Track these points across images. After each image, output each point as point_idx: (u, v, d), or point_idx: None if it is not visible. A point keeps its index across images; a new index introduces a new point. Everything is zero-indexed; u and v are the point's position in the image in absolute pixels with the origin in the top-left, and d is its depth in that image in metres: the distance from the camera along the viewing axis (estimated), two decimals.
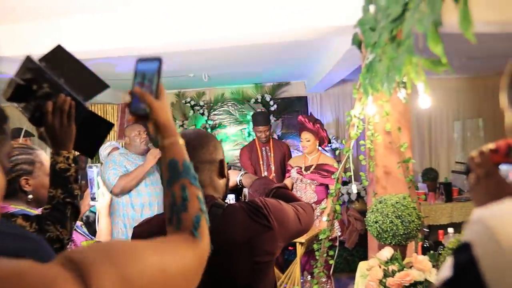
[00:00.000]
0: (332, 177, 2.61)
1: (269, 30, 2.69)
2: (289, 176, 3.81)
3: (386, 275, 1.84)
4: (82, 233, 1.61)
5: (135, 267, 0.59)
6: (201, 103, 5.77)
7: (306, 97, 5.82)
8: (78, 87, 1.18)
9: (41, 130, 1.18)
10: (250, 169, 4.12)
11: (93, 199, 1.82)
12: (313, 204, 3.67)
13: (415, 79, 1.69)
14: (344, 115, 5.58)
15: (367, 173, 2.66)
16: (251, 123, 5.45)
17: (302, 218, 1.27)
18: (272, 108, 5.64)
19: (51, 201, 1.20)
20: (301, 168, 3.72)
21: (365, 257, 2.67)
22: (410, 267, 1.85)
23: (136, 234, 1.22)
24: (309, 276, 3.51)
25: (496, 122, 5.51)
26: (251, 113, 5.43)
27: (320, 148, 3.80)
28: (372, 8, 2.22)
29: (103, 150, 3.86)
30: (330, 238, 2.57)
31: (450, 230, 2.28)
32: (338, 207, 2.52)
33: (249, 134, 5.68)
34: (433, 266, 1.80)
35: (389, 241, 2.08)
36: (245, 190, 4.03)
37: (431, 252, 1.94)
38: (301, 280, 3.37)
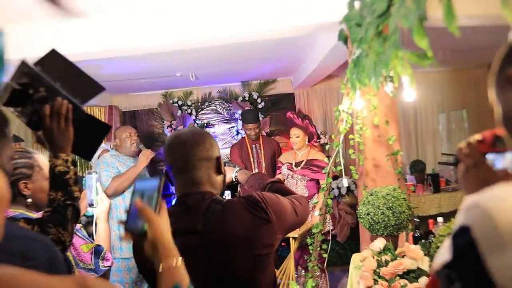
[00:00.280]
0: (323, 171, 2.65)
1: (255, 28, 2.70)
2: (280, 173, 3.84)
3: (379, 265, 1.88)
4: (82, 236, 1.61)
5: None
6: (189, 103, 5.76)
7: (293, 93, 5.85)
8: (74, 90, 1.19)
9: (39, 134, 1.19)
10: (241, 167, 4.14)
11: (91, 205, 1.83)
12: None
13: (402, 73, 1.74)
14: (331, 111, 5.64)
15: (357, 166, 2.70)
16: (239, 121, 5.47)
17: (298, 210, 1.30)
18: (260, 106, 5.66)
19: (51, 204, 1.21)
20: (291, 164, 3.76)
21: (357, 250, 2.72)
22: (403, 256, 1.90)
23: None
24: (303, 271, 3.55)
25: (480, 113, 5.63)
26: (239, 111, 5.44)
27: (309, 143, 3.84)
28: (357, 4, 2.26)
29: None
30: (322, 232, 2.61)
31: (440, 219, 2.34)
32: (329, 201, 2.56)
33: (238, 133, 5.69)
34: (425, 255, 1.85)
35: (381, 232, 2.12)
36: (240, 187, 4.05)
37: (422, 241, 1.99)
38: (296, 275, 3.41)
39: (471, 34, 3.42)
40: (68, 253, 1.51)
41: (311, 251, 2.60)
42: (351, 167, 2.67)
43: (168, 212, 1.24)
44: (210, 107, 5.87)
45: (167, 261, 0.81)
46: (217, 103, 5.86)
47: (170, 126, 5.68)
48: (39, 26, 2.77)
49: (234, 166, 1.61)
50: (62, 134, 1.18)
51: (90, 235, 1.91)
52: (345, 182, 2.63)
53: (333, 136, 2.61)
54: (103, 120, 5.57)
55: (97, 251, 1.59)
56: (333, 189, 4.29)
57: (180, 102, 5.72)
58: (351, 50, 2.42)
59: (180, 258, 0.83)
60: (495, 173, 0.88)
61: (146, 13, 2.72)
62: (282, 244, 4.15)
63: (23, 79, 1.12)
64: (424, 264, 1.80)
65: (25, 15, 2.63)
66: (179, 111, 5.69)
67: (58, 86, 1.16)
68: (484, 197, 0.69)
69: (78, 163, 4.36)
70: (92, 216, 3.09)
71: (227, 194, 3.34)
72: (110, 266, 1.62)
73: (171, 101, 5.71)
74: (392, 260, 1.88)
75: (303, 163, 3.70)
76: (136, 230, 0.82)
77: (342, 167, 2.55)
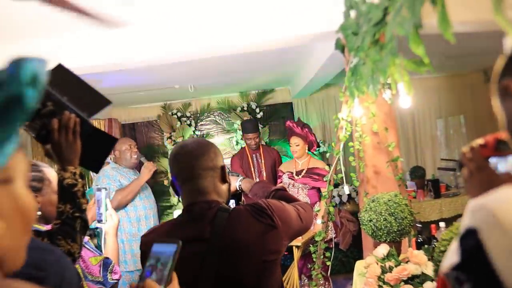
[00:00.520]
0: (324, 179, 2.66)
1: (252, 39, 2.73)
2: (281, 182, 3.86)
3: (383, 271, 1.89)
4: (90, 249, 1.62)
5: None
6: (188, 114, 5.79)
7: (291, 103, 5.88)
8: (81, 104, 1.21)
9: (47, 148, 1.21)
10: (244, 176, 4.16)
11: (100, 221, 1.85)
12: None
13: (399, 80, 1.76)
14: (330, 119, 5.67)
15: (357, 173, 2.72)
16: (238, 131, 5.49)
17: (302, 216, 1.32)
18: (259, 116, 5.69)
19: (60, 216, 1.23)
20: (292, 173, 3.77)
21: (359, 258, 2.72)
22: (406, 262, 1.91)
23: (143, 243, 1.25)
24: (306, 279, 3.55)
25: (477, 118, 5.66)
26: (238, 121, 5.47)
27: (309, 152, 3.86)
28: (353, 13, 2.29)
29: None
30: (325, 240, 2.62)
31: (442, 224, 2.35)
32: (331, 209, 2.57)
33: (237, 143, 5.71)
34: (429, 259, 1.86)
35: (384, 239, 2.13)
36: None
37: (426, 246, 2.00)
38: (300, 284, 3.40)
39: (465, 40, 3.46)
40: (77, 266, 1.52)
41: (314, 259, 2.60)
42: (351, 174, 2.68)
43: (176, 221, 1.26)
44: (209, 118, 5.90)
45: None
46: (216, 113, 5.89)
47: (169, 137, 5.70)
48: (38, 41, 2.79)
49: (238, 175, 1.63)
50: (70, 147, 1.20)
51: (97, 247, 1.92)
52: (346, 189, 2.65)
53: (333, 144, 2.63)
54: None
55: (106, 264, 1.60)
56: (334, 197, 4.30)
57: (179, 114, 5.74)
58: (348, 58, 2.45)
59: None
60: (498, 176, 0.90)
61: (144, 27, 2.75)
62: (285, 253, 4.14)
63: None
64: (428, 269, 1.81)
65: (24, 31, 2.66)
66: (178, 123, 5.71)
67: (65, 100, 1.19)
68: (489, 199, 0.70)
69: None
70: (95, 228, 3.11)
71: (232, 203, 3.34)
72: (118, 279, 1.63)
73: (170, 113, 5.73)
74: (396, 266, 1.89)
75: (304, 171, 3.72)
76: None
77: (343, 175, 2.57)
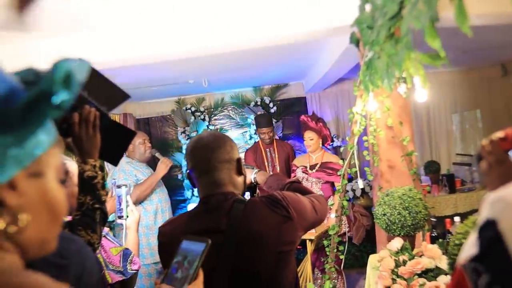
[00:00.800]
0: (338, 173, 2.67)
1: (267, 34, 2.74)
2: (295, 176, 3.87)
3: (397, 264, 1.89)
4: (111, 240, 1.67)
5: None
6: (202, 109, 5.83)
7: (305, 97, 5.87)
8: (101, 98, 1.24)
9: (68, 141, 1.24)
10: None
11: (120, 217, 1.91)
12: None
13: (414, 74, 1.76)
14: (343, 113, 5.65)
15: (371, 168, 2.72)
16: (252, 126, 5.51)
17: (317, 208, 1.34)
18: (272, 110, 5.70)
19: (81, 208, 1.26)
20: (306, 167, 3.78)
21: (373, 252, 2.72)
22: (420, 256, 1.91)
23: (161, 233, 1.29)
24: (319, 273, 3.56)
25: (494, 112, 5.58)
26: (252, 116, 5.48)
27: (323, 147, 3.86)
28: (368, 7, 2.29)
29: None
30: (338, 234, 2.62)
31: (457, 219, 2.34)
32: (345, 203, 2.57)
33: (251, 137, 5.73)
34: (443, 253, 1.86)
35: (398, 233, 2.13)
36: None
37: (440, 240, 2.00)
38: (313, 277, 3.42)
39: (482, 33, 3.41)
40: (99, 255, 1.57)
41: (327, 253, 2.62)
42: (365, 168, 2.68)
43: (193, 213, 1.28)
44: (223, 113, 5.92)
45: None
46: (230, 108, 5.91)
47: (183, 132, 5.75)
48: (53, 37, 2.84)
49: (253, 168, 1.65)
50: (90, 141, 1.24)
51: None
52: (360, 183, 2.65)
53: (347, 138, 2.64)
54: None
55: (126, 255, 1.65)
56: (347, 191, 4.30)
57: (193, 109, 5.78)
58: (363, 52, 2.44)
59: None
60: None
61: (159, 22, 2.77)
62: (298, 246, 4.16)
63: None
64: (442, 263, 1.81)
65: (41, 29, 2.70)
66: (192, 117, 5.75)
67: (86, 94, 1.22)
68: (509, 191, 0.70)
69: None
70: (112, 221, 3.17)
71: (247, 195, 3.38)
72: (137, 270, 1.67)
73: (184, 108, 5.77)
74: (409, 260, 1.89)
75: (318, 166, 3.72)
76: None
77: (357, 169, 2.57)
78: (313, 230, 3.27)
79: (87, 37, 2.86)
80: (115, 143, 1.32)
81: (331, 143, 4.18)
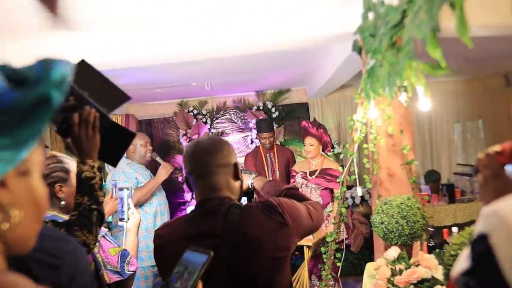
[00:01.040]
0: (337, 180, 2.66)
1: (269, 39, 2.75)
2: (294, 182, 3.87)
3: (393, 273, 1.89)
4: (110, 240, 1.67)
5: None
6: (204, 112, 5.83)
7: (307, 103, 5.88)
8: (102, 99, 1.25)
9: (68, 141, 1.25)
10: (257, 174, 4.17)
11: (121, 219, 1.92)
12: None
13: (416, 83, 1.76)
14: (346, 120, 5.65)
15: (371, 175, 2.71)
16: (253, 130, 5.51)
17: (313, 215, 1.34)
18: (274, 115, 5.70)
19: (78, 208, 1.27)
20: (305, 173, 3.78)
21: (371, 260, 2.72)
22: (417, 265, 1.90)
23: (157, 236, 1.29)
24: (316, 280, 3.55)
25: (496, 123, 5.57)
26: (254, 120, 5.49)
27: (323, 153, 3.86)
28: (371, 15, 2.29)
29: None
30: (336, 241, 2.62)
31: (455, 229, 2.33)
32: (343, 210, 2.57)
33: (252, 141, 5.74)
34: (439, 264, 1.85)
35: (395, 241, 2.13)
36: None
37: (437, 250, 1.99)
38: (309, 284, 3.41)
39: (486, 43, 3.42)
40: (98, 255, 1.59)
41: (325, 260, 2.61)
42: (364, 176, 2.68)
43: (189, 217, 1.29)
44: (225, 116, 5.93)
45: None
46: (232, 112, 5.92)
47: (185, 135, 5.75)
48: (58, 38, 2.86)
49: (251, 173, 1.65)
50: (89, 141, 1.24)
51: None
52: (359, 191, 2.65)
53: (347, 145, 2.63)
54: None
55: (123, 256, 1.65)
56: (347, 198, 4.29)
57: (195, 111, 5.79)
58: (365, 60, 2.45)
59: None
60: None
61: (162, 24, 2.79)
62: (296, 253, 4.15)
63: None
64: (438, 273, 1.80)
65: (46, 29, 2.72)
66: (194, 120, 5.76)
67: (86, 95, 1.22)
68: (502, 205, 0.70)
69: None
70: (110, 222, 3.17)
71: (244, 200, 3.38)
72: (134, 271, 1.68)
73: (186, 110, 5.79)
74: (406, 269, 1.88)
75: (317, 172, 3.72)
76: None
77: (356, 176, 2.56)
78: (310, 237, 3.26)
79: (91, 37, 2.87)
80: (115, 144, 1.32)
81: (331, 150, 4.17)
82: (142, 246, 3.19)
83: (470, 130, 5.98)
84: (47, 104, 0.52)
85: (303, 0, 2.63)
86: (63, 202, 1.53)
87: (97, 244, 1.62)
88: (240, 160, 5.22)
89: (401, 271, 1.88)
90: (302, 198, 1.43)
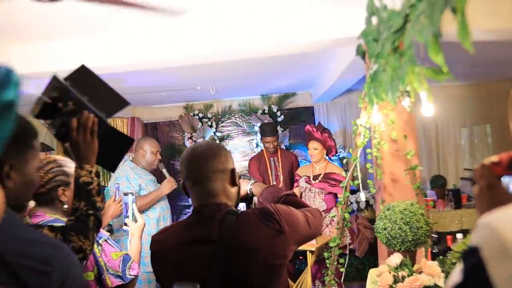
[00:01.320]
0: (340, 185, 2.65)
1: (275, 43, 2.75)
2: (298, 186, 3.85)
3: (396, 280, 1.87)
4: (112, 244, 1.68)
5: None
6: (209, 115, 5.84)
7: (313, 107, 5.86)
8: (101, 104, 1.25)
9: (66, 146, 1.25)
10: (259, 180, 4.17)
11: (126, 224, 1.93)
12: (322, 213, 3.70)
13: (418, 88, 1.74)
14: (351, 124, 5.61)
15: (374, 181, 2.69)
16: (258, 134, 5.51)
17: (311, 222, 1.32)
18: (279, 119, 5.70)
19: (74, 213, 1.27)
20: (309, 177, 3.76)
21: (375, 265, 2.69)
22: (420, 272, 1.88)
23: (154, 242, 1.28)
24: (320, 285, 3.53)
25: (504, 128, 5.51)
26: (259, 124, 5.49)
27: (327, 157, 3.84)
28: (374, 19, 2.28)
29: None
30: (340, 246, 2.60)
31: (459, 236, 2.30)
32: (347, 215, 2.55)
33: (257, 145, 5.73)
34: (442, 271, 1.82)
35: (398, 248, 2.10)
36: (255, 199, 4.06)
37: (440, 257, 1.96)
38: None
39: (492, 48, 3.39)
40: (100, 259, 1.60)
41: (328, 265, 2.59)
42: (368, 181, 2.66)
43: (185, 223, 1.28)
44: (230, 120, 5.93)
45: None
46: (237, 115, 5.92)
47: (190, 138, 5.76)
48: (64, 41, 2.88)
49: (250, 179, 1.65)
50: (87, 146, 1.25)
51: None
52: (362, 196, 2.63)
53: (350, 150, 2.62)
54: (125, 131, 5.72)
55: (125, 260, 1.66)
56: (351, 203, 4.27)
57: (200, 115, 5.80)
58: (369, 64, 2.43)
59: None
60: (509, 196, 0.87)
61: (168, 28, 2.80)
62: (300, 257, 4.13)
63: (54, 93, 1.19)
64: (441, 280, 1.78)
65: (51, 32, 2.74)
66: (200, 124, 5.77)
67: (85, 100, 1.23)
68: (493, 217, 0.69)
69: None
70: (111, 225, 3.17)
71: (242, 206, 3.37)
72: (136, 276, 1.68)
73: (191, 114, 5.80)
74: (408, 276, 1.86)
75: (321, 176, 3.70)
76: None
77: (360, 181, 2.55)
78: (313, 241, 3.24)
79: (97, 40, 2.89)
80: (113, 150, 1.32)
81: (335, 154, 4.16)
82: (145, 251, 3.18)
83: (478, 135, 5.92)
84: (12, 109, 0.52)
85: (308, 4, 2.63)
86: (65, 206, 1.54)
87: (99, 248, 1.63)
88: (245, 163, 5.22)
89: (403, 278, 1.86)
90: (300, 205, 1.42)
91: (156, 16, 2.63)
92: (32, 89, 3.35)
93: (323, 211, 3.68)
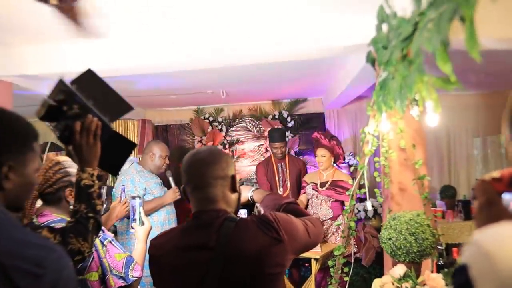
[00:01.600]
0: (347, 193, 2.62)
1: (286, 49, 2.75)
2: (305, 192, 3.82)
3: None
4: (116, 246, 1.69)
5: None
6: (220, 119, 5.85)
7: (323, 113, 5.84)
8: (105, 108, 1.27)
9: (69, 148, 1.26)
10: (266, 185, 4.15)
11: (133, 227, 1.95)
12: (328, 220, 3.67)
13: (427, 97, 1.72)
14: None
15: (382, 189, 2.66)
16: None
17: (310, 231, 1.30)
18: (290, 125, 5.68)
19: (74, 215, 1.28)
20: (316, 184, 3.73)
21: (382, 275, 2.65)
22: (424, 285, 1.85)
23: (152, 246, 1.28)
24: None
25: None
26: (269, 129, 5.48)
27: (334, 164, 3.81)
28: (384, 27, 2.26)
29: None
30: (345, 254, 2.57)
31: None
32: (352, 224, 2.53)
33: (266, 150, 5.72)
34: (446, 284, 1.79)
35: (403, 258, 2.07)
36: (258, 205, 4.04)
37: (445, 270, 1.93)
38: None
39: (503, 56, 3.34)
40: (104, 260, 1.61)
41: (332, 274, 2.56)
42: (375, 190, 2.63)
43: (184, 228, 1.28)
44: (241, 124, 5.94)
45: None
46: (247, 120, 5.93)
47: (200, 141, 5.78)
48: (76, 44, 2.91)
49: (252, 185, 1.64)
50: (90, 150, 1.26)
51: None
52: (369, 205, 2.60)
53: (358, 158, 2.59)
54: (136, 133, 5.76)
55: (128, 262, 1.67)
56: (359, 211, 4.22)
57: (211, 118, 5.82)
58: (379, 72, 2.41)
59: None
60: (508, 213, 0.85)
61: (179, 32, 2.81)
62: (305, 264, 4.09)
63: (59, 96, 1.20)
64: None
65: (66, 35, 2.77)
66: (210, 127, 5.78)
67: (90, 104, 1.24)
68: (483, 236, 0.67)
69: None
70: (116, 226, 3.19)
71: (244, 213, 3.35)
72: (139, 278, 1.68)
73: (202, 117, 5.82)
74: None
75: (328, 183, 3.67)
76: None
77: (367, 190, 2.52)
78: (318, 249, 3.22)
79: (108, 44, 2.92)
80: (116, 154, 1.33)
81: (344, 161, 4.12)
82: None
83: (491, 145, 5.82)
84: None
85: (320, 11, 2.62)
86: (72, 206, 1.55)
87: (104, 249, 1.64)
88: (254, 168, 5.21)
89: None
90: (301, 213, 1.40)
91: (167, 19, 2.65)
92: (43, 89, 3.40)
93: (330, 218, 3.65)
